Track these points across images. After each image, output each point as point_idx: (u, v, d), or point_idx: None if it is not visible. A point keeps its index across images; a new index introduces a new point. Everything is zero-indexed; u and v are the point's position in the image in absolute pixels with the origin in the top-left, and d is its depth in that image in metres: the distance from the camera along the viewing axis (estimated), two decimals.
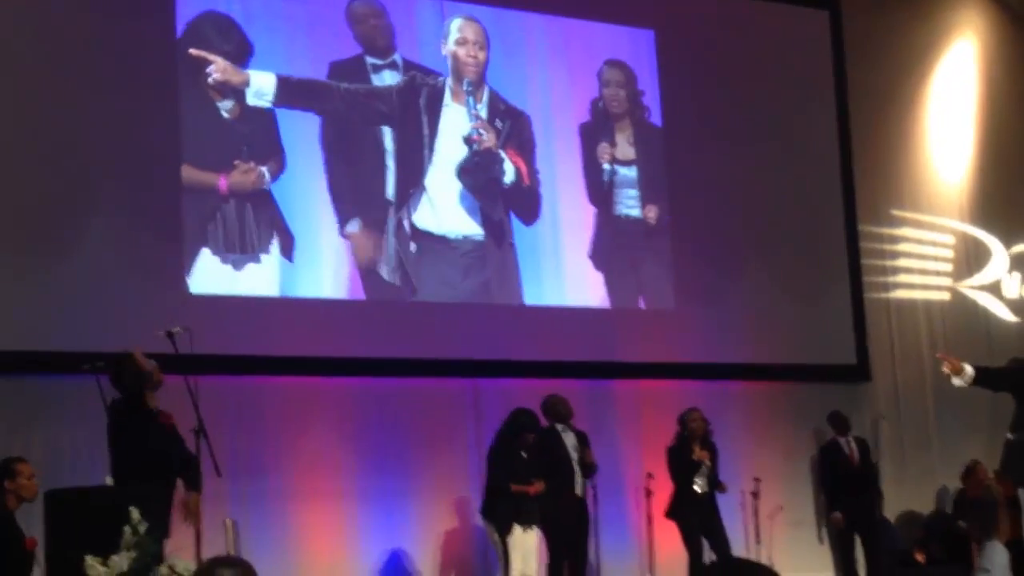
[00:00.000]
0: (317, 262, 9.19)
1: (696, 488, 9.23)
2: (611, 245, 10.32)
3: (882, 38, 12.01)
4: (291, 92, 9.21)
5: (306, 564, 8.81)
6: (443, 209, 9.63)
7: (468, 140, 9.79)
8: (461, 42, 9.84)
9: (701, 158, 10.76)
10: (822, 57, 11.67)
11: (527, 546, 8.51)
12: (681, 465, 9.30)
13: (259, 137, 9.11)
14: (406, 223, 9.47)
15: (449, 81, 9.81)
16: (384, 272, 9.38)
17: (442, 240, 9.60)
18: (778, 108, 11.26)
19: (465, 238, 9.68)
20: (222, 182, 8.89)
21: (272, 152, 9.15)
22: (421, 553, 9.27)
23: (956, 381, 7.94)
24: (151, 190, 8.67)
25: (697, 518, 9.25)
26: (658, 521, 9.47)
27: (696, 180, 10.73)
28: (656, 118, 10.73)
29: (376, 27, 9.70)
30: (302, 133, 9.26)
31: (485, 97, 9.93)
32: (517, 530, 8.44)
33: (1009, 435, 8.03)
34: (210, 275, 8.79)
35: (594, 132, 10.42)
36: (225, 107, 9.05)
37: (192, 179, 8.81)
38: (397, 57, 9.71)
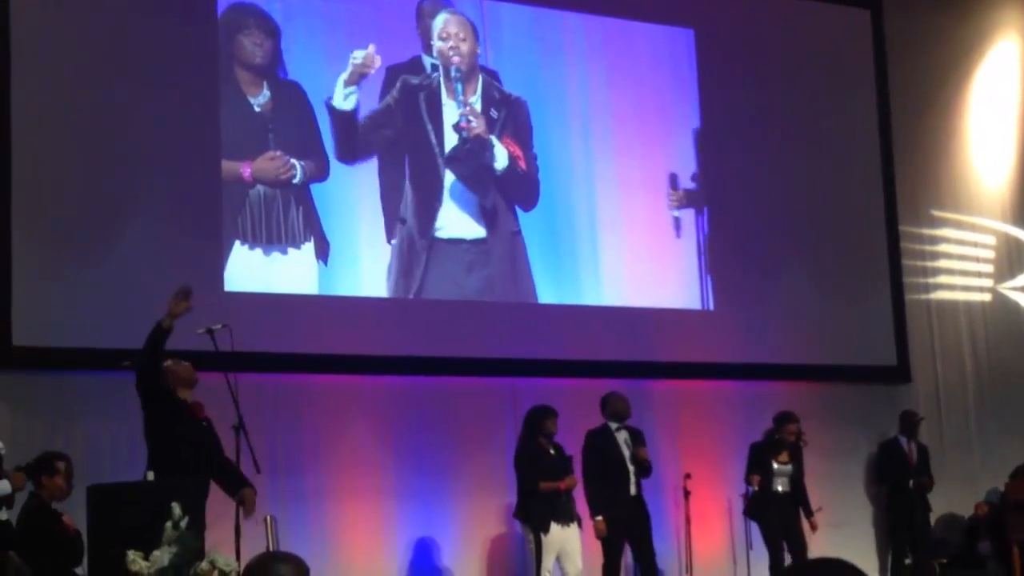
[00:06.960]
0: (354, 262, 9.20)
1: (778, 488, 9.29)
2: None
3: (924, 38, 11.92)
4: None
5: (343, 561, 8.82)
6: (455, 206, 9.59)
7: (457, 127, 9.69)
8: (444, 37, 9.78)
9: (741, 158, 10.71)
10: (863, 56, 11.59)
11: (568, 545, 8.40)
12: (758, 464, 9.34)
13: (293, 133, 9.14)
14: (429, 222, 9.46)
15: (440, 78, 9.76)
16: (416, 271, 9.36)
17: (457, 239, 9.54)
18: (818, 108, 11.19)
19: (476, 235, 9.61)
20: (245, 169, 8.92)
21: (310, 152, 9.17)
22: (457, 552, 9.26)
23: None
24: (190, 187, 8.70)
25: (778, 519, 9.28)
26: (696, 522, 9.42)
27: (735, 180, 10.68)
28: (695, 118, 10.69)
29: (422, 28, 9.76)
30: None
31: (479, 88, 9.85)
32: (555, 528, 8.34)
33: None
34: (246, 269, 8.81)
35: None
36: (258, 102, 9.08)
37: (223, 171, 8.84)
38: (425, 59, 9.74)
